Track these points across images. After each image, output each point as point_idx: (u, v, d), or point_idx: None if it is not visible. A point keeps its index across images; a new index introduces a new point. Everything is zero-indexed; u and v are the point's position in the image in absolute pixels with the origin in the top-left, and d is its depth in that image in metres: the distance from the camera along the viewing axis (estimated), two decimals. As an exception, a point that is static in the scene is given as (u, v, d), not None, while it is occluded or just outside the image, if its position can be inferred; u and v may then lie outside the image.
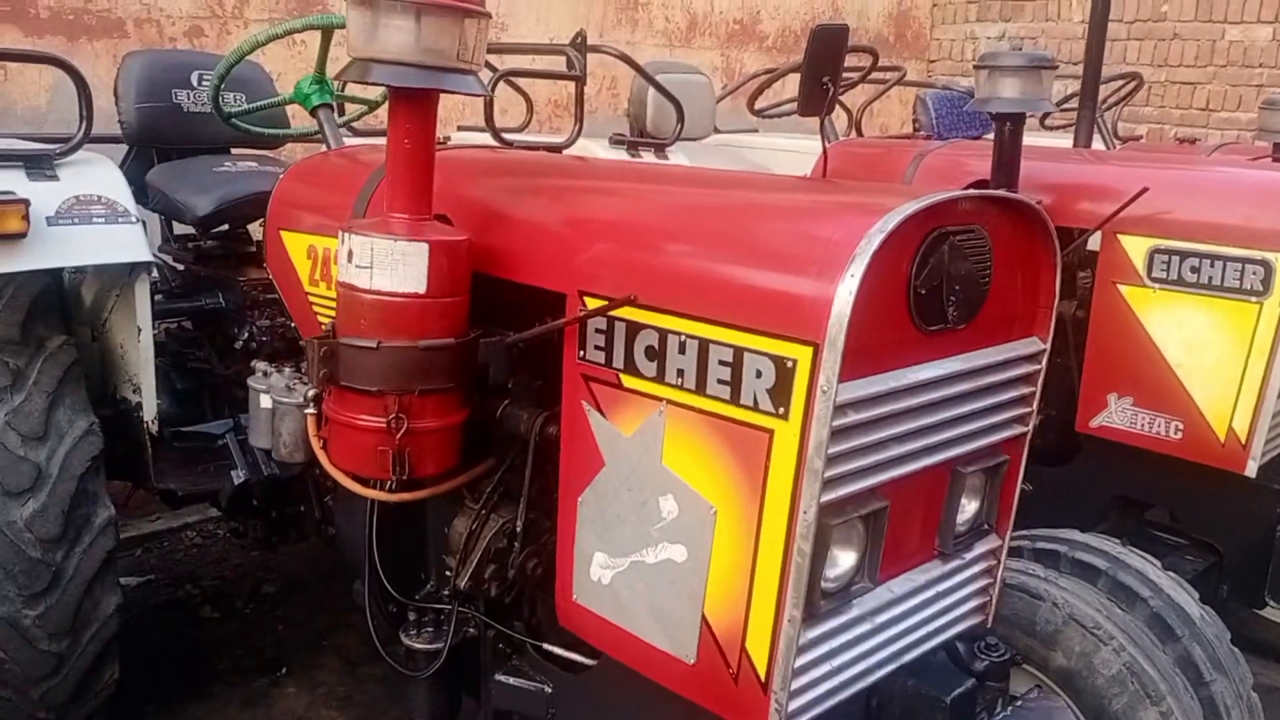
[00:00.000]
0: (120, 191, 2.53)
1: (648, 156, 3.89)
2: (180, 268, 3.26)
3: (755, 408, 1.48)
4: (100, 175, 2.53)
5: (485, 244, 1.88)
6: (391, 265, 1.67)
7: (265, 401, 2.18)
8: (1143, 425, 3.01)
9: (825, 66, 3.48)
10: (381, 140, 1.83)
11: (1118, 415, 3.06)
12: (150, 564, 4.22)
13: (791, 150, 4.52)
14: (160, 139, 3.27)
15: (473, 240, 1.81)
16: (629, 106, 4.99)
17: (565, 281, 1.74)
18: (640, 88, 4.64)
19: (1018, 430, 1.84)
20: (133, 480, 2.85)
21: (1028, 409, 1.84)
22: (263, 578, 4.08)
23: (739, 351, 1.49)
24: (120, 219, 2.49)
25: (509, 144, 3.43)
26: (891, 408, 1.53)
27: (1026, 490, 3.33)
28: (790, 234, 1.51)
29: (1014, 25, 7.31)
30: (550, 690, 2.05)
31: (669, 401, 1.60)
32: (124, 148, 3.33)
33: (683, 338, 1.56)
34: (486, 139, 3.57)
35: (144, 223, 2.91)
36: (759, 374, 1.47)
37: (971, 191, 1.61)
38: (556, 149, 3.56)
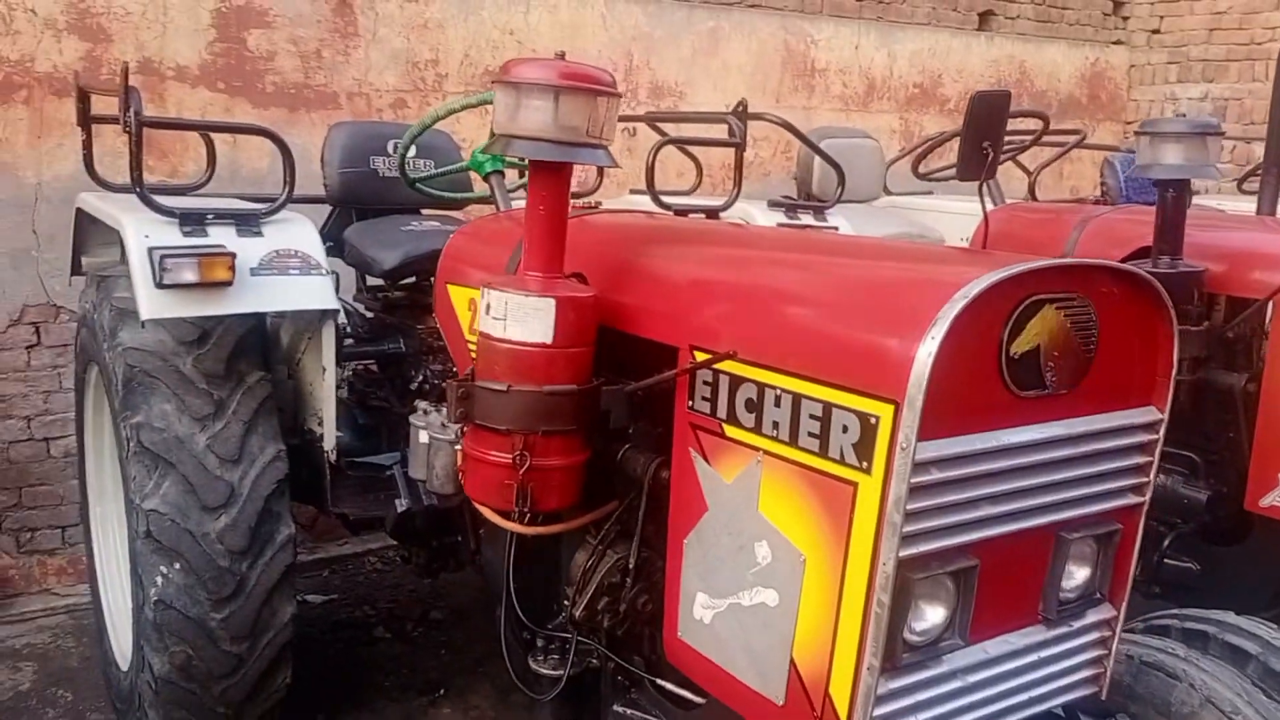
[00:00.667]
0: (314, 247, 2.86)
1: (806, 218, 3.98)
2: (370, 315, 3.60)
3: (842, 461, 1.55)
4: (298, 232, 2.87)
5: (613, 300, 2.04)
6: (522, 318, 1.85)
7: (423, 437, 2.39)
8: (1317, 507, 2.83)
9: (986, 132, 3.51)
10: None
11: (1290, 495, 2.90)
12: (334, 584, 4.59)
13: (958, 213, 4.50)
14: (359, 200, 3.63)
15: (600, 297, 1.97)
16: (796, 170, 5.12)
17: (679, 336, 1.87)
18: (806, 153, 4.76)
19: (1133, 500, 1.81)
20: (314, 504, 3.15)
21: (1144, 478, 1.81)
22: (432, 604, 4.36)
23: (828, 407, 1.57)
24: (312, 271, 2.81)
25: (668, 207, 3.60)
26: (980, 468, 1.57)
27: (1193, 570, 3.22)
28: (881, 298, 1.58)
29: (1217, 86, 6.98)
30: (664, 726, 2.15)
31: (765, 452, 1.69)
32: (329, 208, 3.72)
33: (778, 392, 1.66)
34: (699, 203, 3.77)
35: (336, 274, 3.27)
36: (845, 429, 1.54)
37: (1070, 260, 1.64)
38: (715, 211, 3.72)
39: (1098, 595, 1.85)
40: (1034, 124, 4.44)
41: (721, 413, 1.77)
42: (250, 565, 2.72)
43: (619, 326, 2.03)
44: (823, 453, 1.58)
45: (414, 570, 3.34)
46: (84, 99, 3.19)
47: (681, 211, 3.59)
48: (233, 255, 2.66)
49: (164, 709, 2.81)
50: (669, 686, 2.10)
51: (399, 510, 2.94)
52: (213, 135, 3.52)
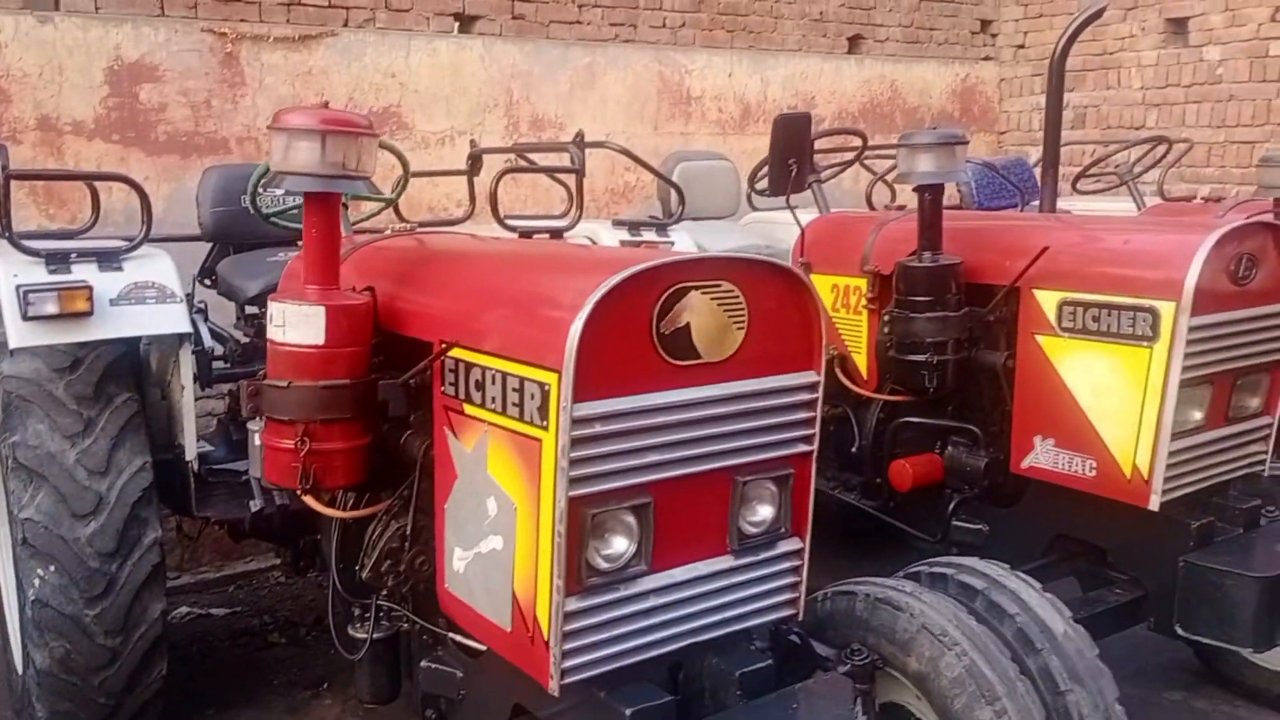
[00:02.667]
0: (170, 279, 3.22)
1: (649, 235, 4.38)
2: (245, 340, 3.95)
3: (532, 422, 1.94)
4: (156, 266, 3.24)
5: (394, 307, 2.42)
6: (298, 324, 2.23)
7: (257, 440, 2.75)
8: (1063, 465, 3.24)
9: (790, 151, 3.95)
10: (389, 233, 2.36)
11: (1043, 456, 3.31)
12: (239, 598, 4.92)
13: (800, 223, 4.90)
14: (232, 236, 4.00)
15: (373, 304, 2.35)
16: (657, 191, 5.54)
17: (432, 333, 2.25)
18: (665, 174, 5.17)
19: (802, 449, 2.20)
20: (183, 510, 3.50)
21: (810, 430, 2.20)
22: (325, 611, 4.68)
23: (522, 380, 1.95)
24: (168, 300, 3.17)
25: (513, 229, 3.98)
26: (643, 422, 1.95)
27: (983, 530, 3.62)
28: (552, 290, 1.98)
29: (1077, 95, 7.48)
30: (461, 674, 2.50)
31: (490, 423, 2.07)
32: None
33: (494, 372, 2.04)
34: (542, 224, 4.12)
35: (204, 303, 3.62)
36: (533, 396, 1.93)
37: (709, 254, 2.04)
38: (559, 232, 4.11)
39: (783, 530, 2.23)
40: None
41: (462, 394, 2.15)
42: (119, 566, 3.05)
43: (397, 329, 2.41)
44: (521, 417, 1.96)
45: (284, 568, 3.68)
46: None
47: (526, 233, 3.97)
48: (90, 288, 3.02)
49: (49, 700, 3.12)
50: (458, 639, 2.46)
51: (253, 510, 3.29)
52: (114, 183, 3.86)
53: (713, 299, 2.01)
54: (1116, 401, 3.08)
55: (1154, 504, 3.01)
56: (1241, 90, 6.62)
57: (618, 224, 4.44)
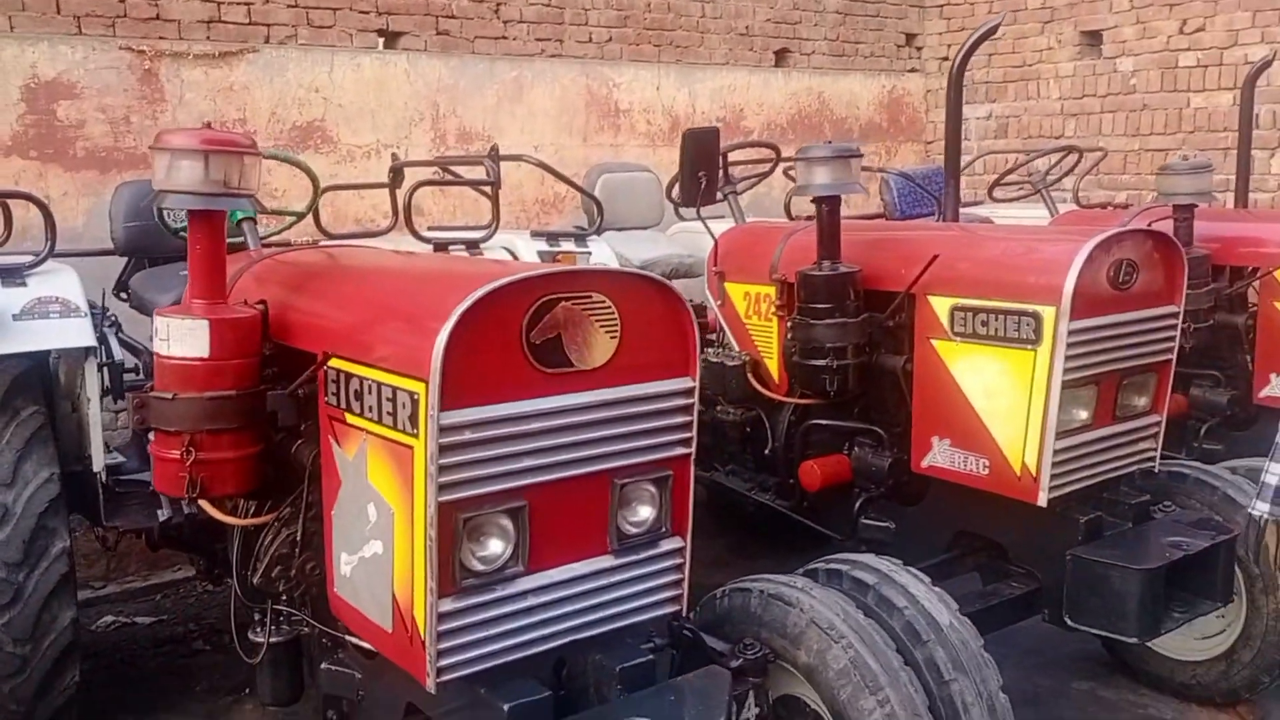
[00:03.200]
0: (74, 293, 3.24)
1: (567, 245, 4.45)
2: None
3: (405, 430, 1.99)
4: (61, 281, 3.25)
5: (287, 320, 2.47)
6: (181, 337, 2.27)
7: (156, 450, 2.79)
8: (959, 463, 3.35)
9: (700, 164, 4.05)
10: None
11: (941, 456, 3.41)
12: (165, 607, 4.94)
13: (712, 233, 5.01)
14: (145, 250, 4.02)
15: (264, 317, 2.40)
16: (583, 202, 5.60)
17: (317, 344, 2.30)
18: (588, 186, 5.24)
19: (680, 451, 2.28)
20: (92, 520, 3.51)
21: (688, 433, 2.28)
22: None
23: (395, 390, 2.01)
24: (72, 314, 3.18)
25: (428, 241, 4.03)
26: (515, 429, 2.02)
27: (890, 528, 3.71)
28: (421, 301, 2.04)
29: (999, 105, 7.69)
30: (359, 676, 2.55)
31: (368, 432, 2.12)
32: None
33: (370, 382, 2.09)
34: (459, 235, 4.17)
35: (114, 316, 3.63)
36: (404, 405, 1.98)
37: (578, 267, 2.11)
38: (475, 244, 4.17)
39: (664, 529, 2.30)
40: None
41: (344, 404, 2.20)
42: (26, 575, 3.06)
43: (288, 341, 2.46)
44: (395, 426, 2.02)
45: (199, 577, 3.70)
46: None
47: (441, 245, 4.02)
48: (-11, 304, 3.03)
49: (-41, 709, 3.12)
50: (355, 641, 2.50)
51: (160, 520, 3.31)
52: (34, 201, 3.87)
53: (584, 310, 2.08)
54: (1006, 402, 3.19)
55: (1042, 500, 3.12)
56: (1154, 100, 6.84)
57: (536, 235, 4.50)
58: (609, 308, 2.11)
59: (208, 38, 5.25)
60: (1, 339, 3.07)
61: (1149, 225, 3.54)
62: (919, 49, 8.27)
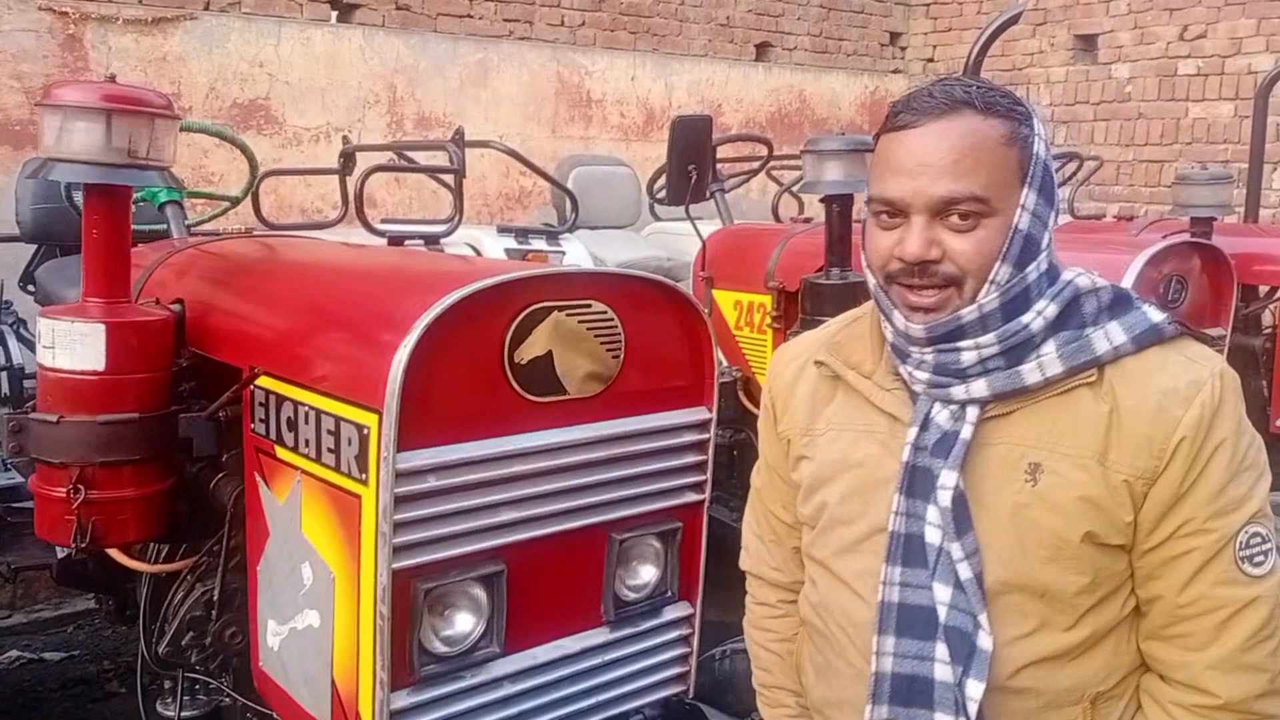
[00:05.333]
0: (-41, 286, 2.73)
1: (538, 244, 4.01)
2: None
3: (349, 474, 1.55)
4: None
5: (206, 325, 2.00)
6: (70, 345, 1.79)
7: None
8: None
9: (690, 156, 3.62)
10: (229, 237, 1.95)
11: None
12: (78, 640, 4.36)
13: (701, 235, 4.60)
14: (56, 237, 3.50)
15: (177, 320, 1.93)
16: (552, 197, 5.17)
17: (243, 357, 1.84)
18: (560, 180, 4.80)
19: (692, 498, 1.86)
20: (-13, 553, 2.99)
21: (701, 476, 1.86)
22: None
23: (338, 420, 1.56)
24: (-48, 311, 2.68)
25: (383, 234, 3.57)
26: (493, 473, 1.58)
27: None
28: (378, 307, 1.59)
29: (986, 109, 7.36)
30: (290, 757, 2.09)
31: (303, 471, 1.67)
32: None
33: (306, 408, 1.64)
34: (417, 229, 3.70)
35: (15, 311, 3.12)
36: (350, 441, 1.54)
37: (584, 269, 1.68)
38: (435, 238, 3.71)
39: (669, 594, 1.88)
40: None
41: (274, 433, 1.75)
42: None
43: (208, 351, 1.99)
44: (337, 467, 1.57)
45: (107, 616, 3.20)
46: None
47: (397, 239, 3.56)
48: None
49: None
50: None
51: (59, 557, 2.81)
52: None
53: (581, 322, 1.65)
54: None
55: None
56: (1150, 108, 6.55)
57: (504, 231, 4.06)
58: (611, 320, 1.69)
59: (140, 1, 4.72)
60: None
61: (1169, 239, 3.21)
62: (903, 49, 7.93)
